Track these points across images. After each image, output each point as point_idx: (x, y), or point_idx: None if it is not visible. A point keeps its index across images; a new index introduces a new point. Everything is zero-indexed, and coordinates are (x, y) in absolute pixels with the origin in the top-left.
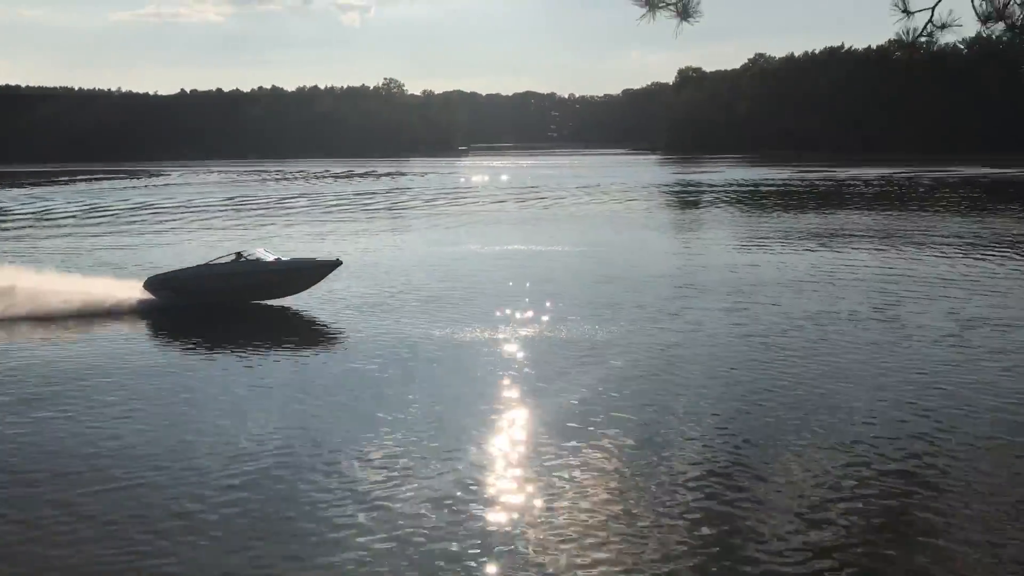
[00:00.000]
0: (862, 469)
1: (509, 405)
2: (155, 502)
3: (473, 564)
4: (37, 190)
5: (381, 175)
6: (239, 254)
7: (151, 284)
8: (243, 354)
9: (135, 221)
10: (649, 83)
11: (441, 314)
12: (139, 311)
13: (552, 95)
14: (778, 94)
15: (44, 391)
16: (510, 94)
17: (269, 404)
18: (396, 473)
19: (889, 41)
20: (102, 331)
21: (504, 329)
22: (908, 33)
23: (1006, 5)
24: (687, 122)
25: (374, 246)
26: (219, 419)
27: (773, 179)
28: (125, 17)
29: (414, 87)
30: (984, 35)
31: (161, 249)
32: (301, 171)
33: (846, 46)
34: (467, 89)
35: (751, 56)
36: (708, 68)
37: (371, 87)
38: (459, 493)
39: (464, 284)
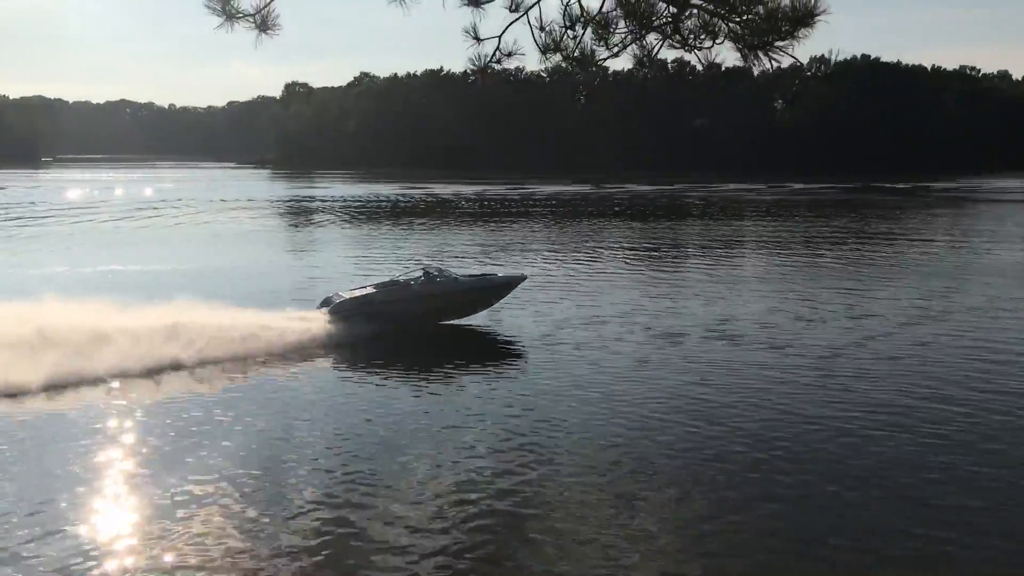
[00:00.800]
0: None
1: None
2: None
3: None
4: None
5: None
6: (425, 271)
7: (339, 310)
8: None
9: None
10: (255, 96)
11: None
12: (336, 341)
13: (151, 104)
14: (384, 112)
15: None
16: (102, 102)
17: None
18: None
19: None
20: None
21: None
22: (480, 58)
23: (562, 38)
24: (296, 136)
25: None
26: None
27: (379, 194)
28: None
29: None
30: (544, 64)
31: None
32: None
33: (445, 68)
34: (50, 95)
35: (356, 74)
36: (315, 84)
37: None
38: None
39: None
